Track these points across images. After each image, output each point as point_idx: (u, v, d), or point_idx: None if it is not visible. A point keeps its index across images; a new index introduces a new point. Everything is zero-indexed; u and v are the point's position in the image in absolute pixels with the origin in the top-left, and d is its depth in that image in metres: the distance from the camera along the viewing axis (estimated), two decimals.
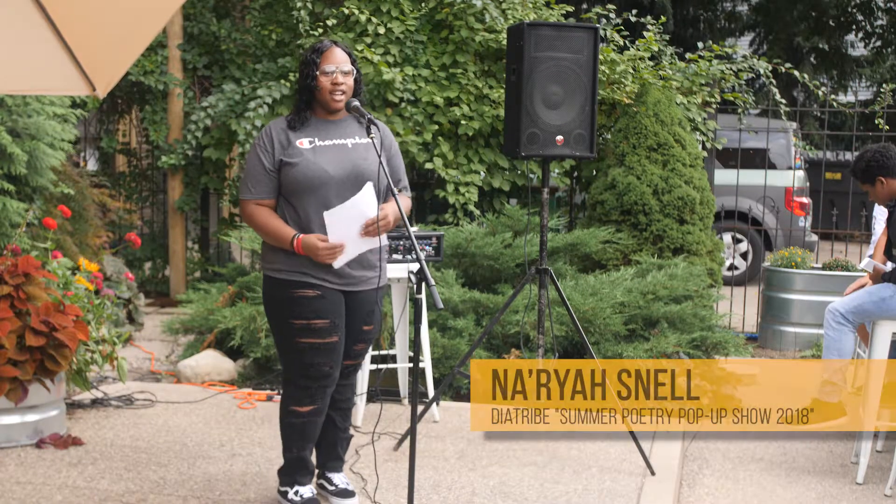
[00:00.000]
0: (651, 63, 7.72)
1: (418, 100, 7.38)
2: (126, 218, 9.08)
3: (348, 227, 3.45)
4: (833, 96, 8.30)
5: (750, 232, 10.66)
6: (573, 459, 4.40)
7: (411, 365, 4.37)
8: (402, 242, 4.73)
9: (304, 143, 3.53)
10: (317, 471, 3.84)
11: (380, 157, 3.46)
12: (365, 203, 3.44)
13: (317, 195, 3.49)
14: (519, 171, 7.59)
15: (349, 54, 3.58)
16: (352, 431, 3.91)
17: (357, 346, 3.71)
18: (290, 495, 3.68)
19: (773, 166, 10.42)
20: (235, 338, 5.70)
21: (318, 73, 3.51)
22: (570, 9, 8.08)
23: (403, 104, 7.32)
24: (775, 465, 4.65)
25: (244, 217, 3.60)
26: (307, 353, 3.53)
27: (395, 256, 4.71)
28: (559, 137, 4.31)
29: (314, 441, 3.71)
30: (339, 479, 3.80)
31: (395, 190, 3.50)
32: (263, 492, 3.89)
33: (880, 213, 5.79)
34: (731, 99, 8.24)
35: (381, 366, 4.97)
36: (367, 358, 4.86)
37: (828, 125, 13.88)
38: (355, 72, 3.58)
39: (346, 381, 3.76)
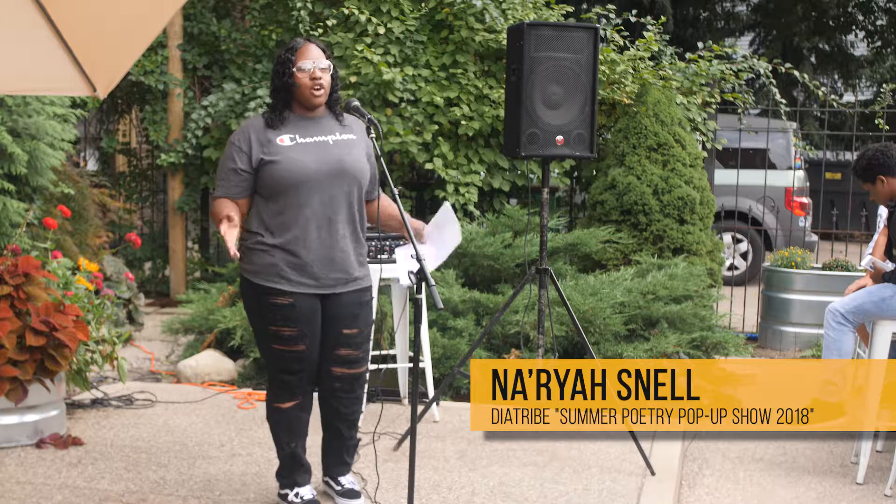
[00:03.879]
0: (651, 63, 7.72)
1: (418, 100, 7.38)
2: (126, 218, 9.08)
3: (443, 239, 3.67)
4: (833, 96, 8.30)
5: (750, 232, 10.66)
6: (573, 459, 4.40)
7: (411, 365, 4.36)
8: (402, 242, 4.73)
9: (284, 140, 3.48)
10: (322, 472, 3.84)
11: (380, 156, 3.46)
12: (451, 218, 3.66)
13: (299, 192, 3.45)
14: (519, 171, 7.59)
15: (324, 50, 3.54)
16: (359, 436, 3.87)
17: (340, 350, 3.60)
18: (291, 497, 3.67)
19: (773, 166, 10.42)
20: (235, 338, 5.70)
21: (294, 70, 3.48)
22: (570, 9, 8.08)
23: (403, 104, 7.31)
24: (775, 465, 4.65)
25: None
26: (278, 358, 3.57)
27: (394, 256, 4.70)
28: (559, 137, 4.30)
29: (303, 436, 3.70)
30: (346, 479, 3.79)
31: (395, 190, 3.50)
32: (263, 492, 3.89)
33: (883, 213, 5.78)
34: (731, 99, 8.23)
35: (381, 366, 4.97)
36: None
37: (828, 125, 13.88)
38: (332, 67, 3.55)
39: (350, 394, 3.68)
